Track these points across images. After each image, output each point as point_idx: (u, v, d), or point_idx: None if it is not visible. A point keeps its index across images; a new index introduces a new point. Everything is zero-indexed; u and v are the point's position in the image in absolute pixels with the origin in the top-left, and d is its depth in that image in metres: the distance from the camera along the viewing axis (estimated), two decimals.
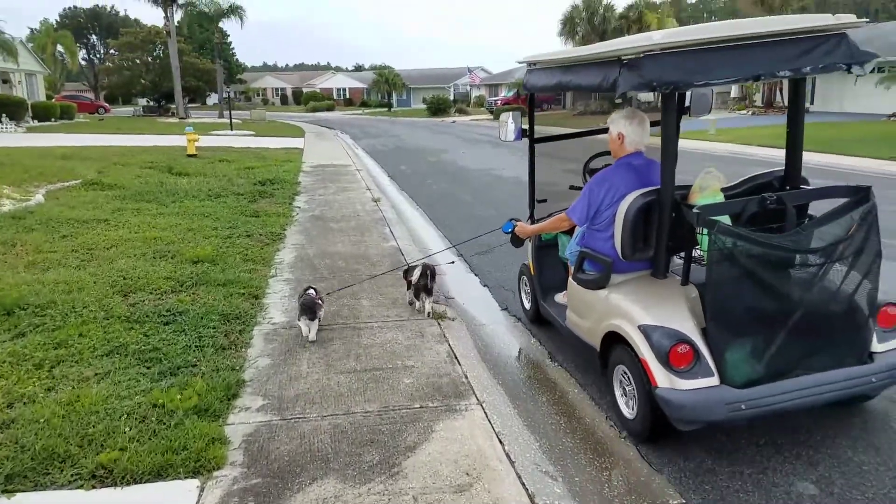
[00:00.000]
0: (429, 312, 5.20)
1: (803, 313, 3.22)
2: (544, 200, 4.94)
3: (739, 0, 39.25)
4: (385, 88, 64.80)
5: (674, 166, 3.36)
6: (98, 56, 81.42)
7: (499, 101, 47.33)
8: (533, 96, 4.83)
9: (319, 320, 4.69)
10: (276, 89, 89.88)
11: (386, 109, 64.54)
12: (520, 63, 4.60)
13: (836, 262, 3.27)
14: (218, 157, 17.55)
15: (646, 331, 3.30)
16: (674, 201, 3.38)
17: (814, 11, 33.67)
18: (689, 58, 3.10)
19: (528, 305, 5.35)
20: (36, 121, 33.89)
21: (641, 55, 3.11)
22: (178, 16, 43.28)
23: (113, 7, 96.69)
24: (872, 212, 3.29)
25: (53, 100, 44.98)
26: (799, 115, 3.80)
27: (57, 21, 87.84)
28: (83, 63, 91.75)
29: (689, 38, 3.10)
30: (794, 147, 3.79)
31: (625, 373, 3.56)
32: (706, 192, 3.46)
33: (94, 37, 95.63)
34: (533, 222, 4.83)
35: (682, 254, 3.68)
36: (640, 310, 3.46)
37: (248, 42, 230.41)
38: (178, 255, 6.54)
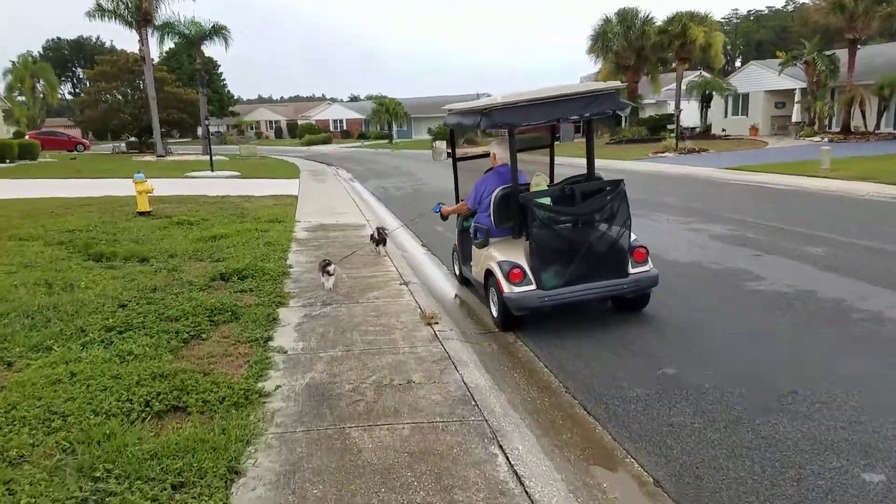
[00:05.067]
0: (384, 254, 8.79)
1: (585, 250, 5.77)
2: (463, 200, 7.22)
3: (811, 10, 34.20)
4: (385, 118, 59.58)
5: (516, 172, 5.94)
6: (82, 89, 76.49)
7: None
8: (452, 131, 7.79)
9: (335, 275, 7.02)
10: (270, 122, 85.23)
11: (387, 141, 59.29)
12: (443, 109, 7.63)
13: (603, 222, 5.90)
14: (178, 217, 12.51)
15: (500, 264, 5.88)
16: (518, 193, 5.90)
17: None
18: (517, 110, 5.71)
19: (457, 271, 7.99)
20: None
21: (492, 108, 5.79)
22: (153, 40, 38.37)
23: (98, 37, 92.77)
24: (622, 193, 5.89)
25: (27, 136, 40.11)
26: (591, 139, 6.83)
27: (40, 53, 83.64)
28: (69, 97, 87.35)
29: (518, 99, 5.75)
30: (590, 157, 6.68)
31: (493, 291, 6.08)
32: (538, 187, 6.25)
33: (79, 70, 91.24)
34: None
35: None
36: (499, 254, 6.00)
37: (240, 76, 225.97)
38: None
